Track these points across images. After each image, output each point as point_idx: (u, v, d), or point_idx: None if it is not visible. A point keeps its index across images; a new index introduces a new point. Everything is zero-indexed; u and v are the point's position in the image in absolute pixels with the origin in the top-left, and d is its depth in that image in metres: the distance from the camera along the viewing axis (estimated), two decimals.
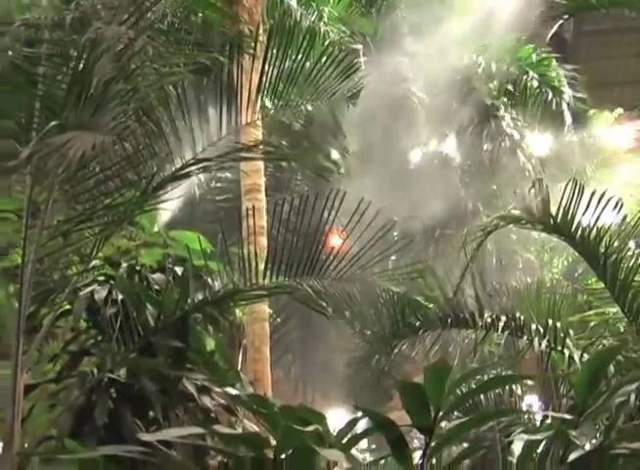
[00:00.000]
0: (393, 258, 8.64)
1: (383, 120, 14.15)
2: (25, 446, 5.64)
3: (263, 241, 8.86)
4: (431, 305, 7.85)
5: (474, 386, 4.23)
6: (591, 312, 8.43)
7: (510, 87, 17.04)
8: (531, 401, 10.55)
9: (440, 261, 8.17)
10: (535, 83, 16.88)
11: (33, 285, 5.68)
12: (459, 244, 8.65)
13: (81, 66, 5.49)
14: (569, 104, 16.92)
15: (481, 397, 7.94)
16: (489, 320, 7.91)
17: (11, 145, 5.55)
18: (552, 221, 7.62)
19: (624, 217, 7.85)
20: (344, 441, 3.67)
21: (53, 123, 5.00)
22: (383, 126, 14.34)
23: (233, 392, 4.25)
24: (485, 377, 4.55)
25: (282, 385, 13.40)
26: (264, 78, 7.02)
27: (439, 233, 15.61)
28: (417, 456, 3.58)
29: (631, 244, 7.62)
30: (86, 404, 5.73)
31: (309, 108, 7.82)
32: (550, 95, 16.79)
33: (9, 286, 5.86)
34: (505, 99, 17.00)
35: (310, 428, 3.26)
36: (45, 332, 5.87)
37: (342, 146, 7.88)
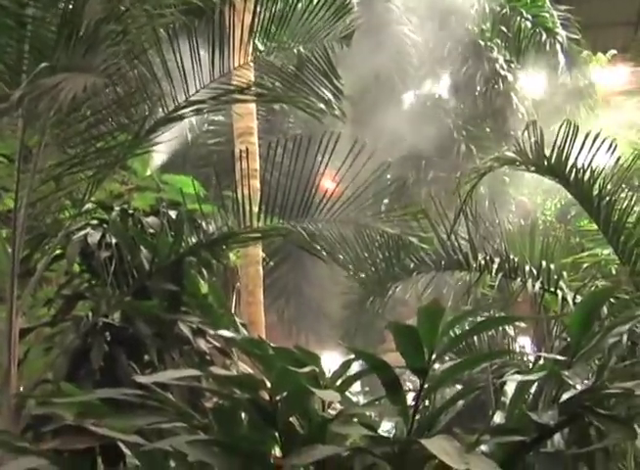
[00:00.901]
0: (386, 201, 8.63)
1: (376, 62, 14.04)
2: (22, 389, 5.67)
3: (257, 184, 8.84)
4: (425, 247, 7.85)
5: (467, 328, 4.24)
6: (584, 254, 8.47)
7: (503, 28, 16.92)
8: (524, 343, 10.62)
9: (434, 204, 8.13)
10: (529, 24, 16.76)
11: (26, 229, 5.67)
12: (452, 186, 8.64)
13: (71, 6, 5.42)
14: (562, 45, 16.81)
15: (475, 339, 7.99)
16: (483, 262, 7.94)
17: (2, 88, 5.50)
18: (546, 163, 7.62)
19: (618, 159, 7.85)
20: (339, 382, 3.69)
21: (43, 65, 4.93)
22: (376, 68, 14.24)
23: (228, 334, 4.25)
24: (479, 319, 4.56)
25: (275, 328, 13.46)
26: (256, 20, 6.95)
27: (432, 176, 15.59)
28: (409, 398, 3.60)
29: None
30: (81, 348, 5.74)
31: (302, 49, 7.74)
32: (544, 36, 16.68)
33: (2, 230, 5.84)
34: (498, 40, 16.88)
35: (306, 369, 3.27)
36: (39, 276, 5.87)
37: (335, 87, 7.81)
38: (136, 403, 3.48)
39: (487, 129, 16.31)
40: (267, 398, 3.40)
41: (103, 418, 3.39)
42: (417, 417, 3.48)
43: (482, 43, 16.51)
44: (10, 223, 5.65)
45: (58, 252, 6.12)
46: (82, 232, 6.15)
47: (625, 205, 7.49)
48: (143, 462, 3.44)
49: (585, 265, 8.21)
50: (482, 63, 16.50)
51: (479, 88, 16.61)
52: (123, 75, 5.96)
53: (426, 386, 3.44)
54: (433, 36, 15.50)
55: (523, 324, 9.50)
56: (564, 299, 7.39)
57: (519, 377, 3.82)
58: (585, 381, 3.73)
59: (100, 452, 4.88)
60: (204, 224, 6.36)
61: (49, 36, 5.50)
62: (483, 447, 3.42)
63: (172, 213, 6.38)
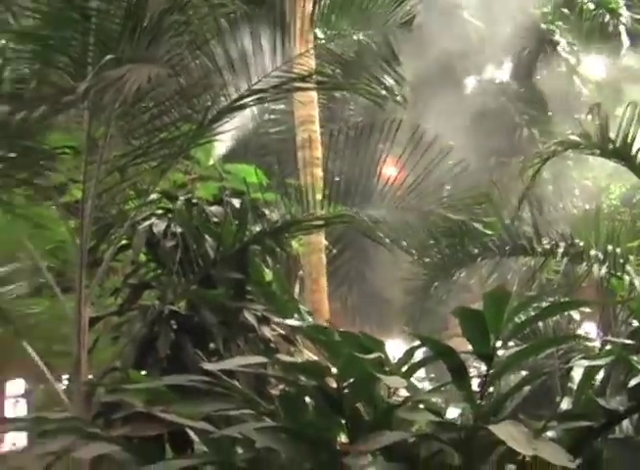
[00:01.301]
0: (448, 187, 8.59)
1: (437, 47, 13.96)
2: (91, 376, 5.76)
3: (319, 172, 8.84)
4: (489, 233, 7.82)
5: (532, 313, 4.21)
6: None
7: (565, 11, 16.72)
8: (589, 329, 10.50)
9: (497, 189, 8.09)
10: (592, 6, 16.55)
11: (93, 220, 5.76)
12: (515, 171, 8.57)
13: None
14: (626, 26, 16.56)
15: (540, 324, 7.94)
16: (548, 247, 7.87)
17: (67, 81, 5.58)
18: (611, 146, 7.53)
19: None
20: (404, 369, 3.69)
21: (109, 57, 4.99)
22: (437, 53, 14.16)
23: (293, 322, 4.28)
24: (544, 304, 4.52)
25: (339, 316, 13.47)
26: (317, 7, 6.96)
27: (495, 161, 15.47)
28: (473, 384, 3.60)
29: None
30: (149, 336, 5.81)
31: (362, 37, 7.74)
32: (607, 17, 16.45)
33: (70, 221, 5.93)
34: (560, 23, 16.68)
35: (372, 356, 3.28)
36: (106, 266, 5.94)
37: (397, 74, 7.79)
38: (202, 390, 3.52)
39: (549, 113, 16.14)
40: (332, 384, 3.42)
41: (171, 405, 3.44)
42: (483, 403, 3.48)
43: (544, 26, 16.33)
44: (78, 214, 5.73)
45: (124, 242, 6.19)
46: (147, 222, 6.21)
47: None
48: (211, 448, 3.48)
49: None
50: (544, 46, 16.34)
51: (540, 72, 16.44)
52: (186, 66, 6.00)
53: (491, 371, 3.44)
54: (494, 20, 15.35)
55: (588, 309, 9.41)
56: (631, 283, 7.30)
57: (585, 362, 3.79)
58: None
59: (168, 439, 4.94)
60: (267, 212, 6.39)
61: (113, 28, 5.56)
62: (550, 433, 3.41)
63: (236, 202, 6.41)
